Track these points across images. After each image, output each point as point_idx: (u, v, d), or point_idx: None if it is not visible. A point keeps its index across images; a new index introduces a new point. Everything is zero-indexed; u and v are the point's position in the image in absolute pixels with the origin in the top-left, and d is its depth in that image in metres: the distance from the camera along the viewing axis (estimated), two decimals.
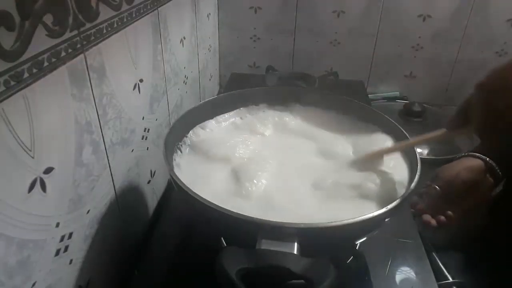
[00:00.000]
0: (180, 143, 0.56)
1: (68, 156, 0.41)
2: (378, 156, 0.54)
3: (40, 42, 0.34)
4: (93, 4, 0.43)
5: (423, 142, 0.55)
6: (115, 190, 0.53)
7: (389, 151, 0.55)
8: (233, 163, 0.54)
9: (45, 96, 0.36)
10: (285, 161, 0.56)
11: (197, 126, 0.60)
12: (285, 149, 0.59)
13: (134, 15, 0.54)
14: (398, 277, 0.53)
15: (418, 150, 0.50)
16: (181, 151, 0.55)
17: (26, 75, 0.33)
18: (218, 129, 0.63)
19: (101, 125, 0.47)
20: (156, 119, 0.66)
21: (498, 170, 0.56)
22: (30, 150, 0.34)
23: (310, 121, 0.65)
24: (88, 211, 0.46)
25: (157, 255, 0.58)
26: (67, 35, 0.38)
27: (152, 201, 0.69)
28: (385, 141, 0.57)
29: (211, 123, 0.62)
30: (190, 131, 0.59)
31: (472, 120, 0.37)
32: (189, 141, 0.58)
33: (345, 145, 0.60)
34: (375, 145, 0.58)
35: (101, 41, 0.45)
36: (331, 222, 0.38)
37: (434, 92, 1.17)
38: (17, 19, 0.31)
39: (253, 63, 1.19)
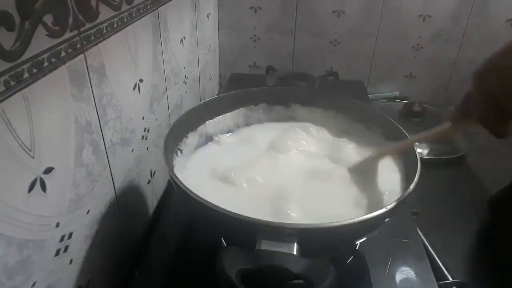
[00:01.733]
0: (180, 144, 0.56)
1: (68, 156, 0.41)
2: (385, 155, 0.53)
3: (40, 42, 0.34)
4: (93, 4, 0.43)
5: (429, 138, 0.53)
6: (115, 190, 0.53)
7: (394, 150, 0.54)
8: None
9: (45, 96, 0.36)
10: (285, 161, 0.56)
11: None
12: (285, 148, 0.59)
13: (134, 15, 0.54)
14: (398, 277, 0.53)
15: (418, 150, 0.50)
16: (181, 153, 0.55)
17: (26, 75, 0.33)
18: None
19: (101, 125, 0.47)
20: (156, 119, 0.66)
21: None
22: (30, 150, 0.34)
23: (310, 121, 0.65)
24: (88, 211, 0.46)
25: (157, 255, 0.58)
26: (67, 35, 0.38)
27: (152, 201, 0.69)
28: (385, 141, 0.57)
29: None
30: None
31: (473, 110, 0.36)
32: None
33: (346, 145, 0.60)
34: (375, 145, 0.58)
35: (101, 41, 0.45)
36: (331, 222, 0.38)
37: (434, 92, 1.17)
38: (17, 19, 0.31)
39: (253, 63, 1.19)
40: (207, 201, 0.39)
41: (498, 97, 0.33)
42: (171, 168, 0.47)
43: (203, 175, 0.54)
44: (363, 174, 0.54)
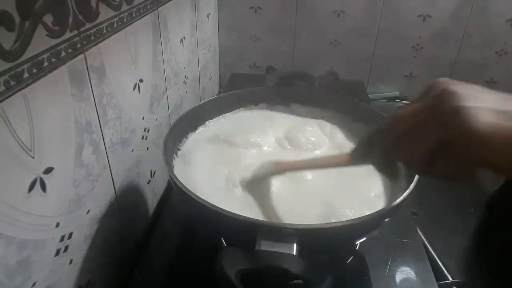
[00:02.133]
0: (180, 144, 0.56)
1: (68, 156, 0.41)
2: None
3: (40, 42, 0.34)
4: (93, 4, 0.43)
5: (319, 165, 0.51)
6: (115, 190, 0.53)
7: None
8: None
9: (45, 96, 0.36)
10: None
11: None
12: (285, 148, 0.59)
13: (134, 15, 0.54)
14: (398, 277, 0.53)
15: None
16: (177, 156, 0.55)
17: (26, 75, 0.33)
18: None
19: (101, 125, 0.47)
20: (156, 119, 0.66)
21: None
22: (30, 150, 0.34)
23: (310, 121, 0.65)
24: (88, 211, 0.46)
25: (157, 255, 0.58)
26: (67, 35, 0.38)
27: (152, 201, 0.69)
28: None
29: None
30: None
31: (373, 157, 0.38)
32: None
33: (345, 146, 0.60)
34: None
35: (101, 41, 0.45)
36: (331, 222, 0.38)
37: None
38: (17, 19, 0.31)
39: (253, 63, 1.19)
40: (207, 202, 0.39)
41: (397, 157, 0.35)
42: (171, 168, 0.47)
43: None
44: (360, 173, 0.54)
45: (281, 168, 0.52)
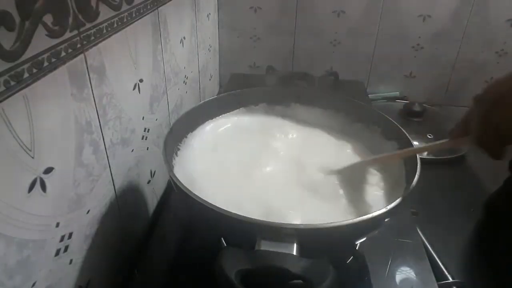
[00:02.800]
0: (180, 144, 0.56)
1: (68, 156, 0.41)
2: (378, 163, 0.53)
3: (40, 42, 0.34)
4: (93, 4, 0.43)
5: (426, 149, 0.53)
6: (115, 190, 0.53)
7: (388, 159, 0.54)
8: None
9: (45, 96, 0.36)
10: (284, 161, 0.56)
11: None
12: (285, 148, 0.59)
13: (134, 15, 0.54)
14: (398, 277, 0.53)
15: None
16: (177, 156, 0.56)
17: (26, 75, 0.33)
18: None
19: (101, 125, 0.47)
20: (156, 119, 0.66)
21: None
22: (30, 150, 0.34)
23: (310, 121, 0.65)
24: (88, 211, 0.46)
25: (157, 255, 0.58)
26: (67, 35, 0.38)
27: (152, 201, 0.69)
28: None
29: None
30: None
31: (471, 131, 0.37)
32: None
33: (345, 146, 0.60)
34: (374, 146, 0.59)
35: (101, 41, 0.45)
36: (331, 222, 0.38)
37: (434, 92, 1.17)
38: (17, 19, 0.31)
39: (253, 63, 1.19)
40: (207, 201, 0.39)
41: (496, 123, 0.34)
42: (170, 168, 0.47)
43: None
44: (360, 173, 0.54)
45: (373, 161, 0.53)
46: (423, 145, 0.50)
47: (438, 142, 0.48)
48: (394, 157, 0.53)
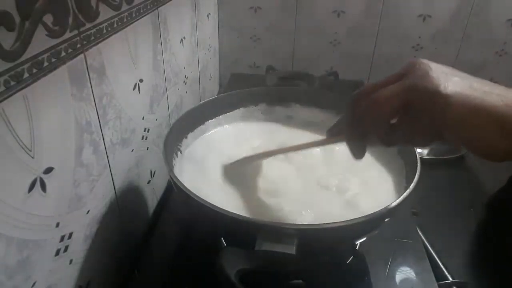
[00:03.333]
0: (180, 144, 0.56)
1: (68, 156, 0.41)
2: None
3: (40, 42, 0.34)
4: (93, 4, 0.43)
5: (307, 147, 0.52)
6: (115, 190, 0.53)
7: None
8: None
9: (45, 96, 0.36)
10: (285, 161, 0.56)
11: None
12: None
13: (134, 15, 0.54)
14: (398, 277, 0.53)
15: (418, 150, 0.50)
16: (181, 152, 0.56)
17: (26, 75, 0.33)
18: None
19: (101, 125, 0.47)
20: (156, 119, 0.66)
21: None
22: (30, 150, 0.34)
23: (310, 121, 0.65)
24: (88, 211, 0.46)
25: (157, 255, 0.58)
26: (67, 35, 0.38)
27: (152, 201, 0.69)
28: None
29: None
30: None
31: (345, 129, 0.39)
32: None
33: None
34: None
35: (101, 41, 0.45)
36: (331, 222, 0.38)
37: None
38: (17, 19, 0.31)
39: (253, 63, 1.19)
40: (207, 202, 0.39)
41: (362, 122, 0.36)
42: (170, 168, 0.47)
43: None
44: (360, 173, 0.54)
45: (267, 154, 0.54)
46: (304, 144, 0.51)
47: (317, 140, 0.49)
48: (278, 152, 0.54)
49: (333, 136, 0.44)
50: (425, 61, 0.33)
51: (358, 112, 0.35)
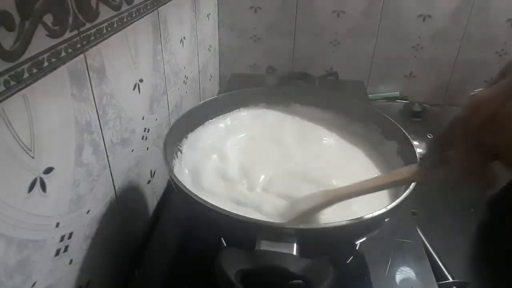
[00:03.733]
0: (180, 144, 0.56)
1: (68, 156, 0.41)
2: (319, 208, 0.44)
3: (40, 42, 0.34)
4: (93, 4, 0.43)
5: (386, 186, 0.42)
6: (115, 190, 0.53)
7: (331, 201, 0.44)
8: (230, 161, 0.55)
9: (45, 96, 0.36)
10: (284, 162, 0.56)
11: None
12: (285, 149, 0.59)
13: (134, 15, 0.54)
14: (398, 277, 0.53)
15: (418, 150, 0.50)
16: (181, 152, 0.56)
17: (26, 75, 0.33)
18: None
19: (101, 125, 0.47)
20: (156, 119, 0.66)
21: None
22: (30, 150, 0.34)
23: (310, 121, 0.65)
24: (88, 211, 0.46)
25: (157, 255, 0.58)
26: (67, 35, 0.38)
27: (152, 201, 0.69)
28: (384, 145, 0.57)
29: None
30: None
31: (456, 160, 0.30)
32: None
33: (345, 146, 0.60)
34: (374, 146, 0.58)
35: (101, 41, 0.45)
36: (331, 222, 0.38)
37: (434, 92, 1.17)
38: (17, 19, 0.31)
39: (253, 63, 1.19)
40: (207, 202, 0.39)
41: (495, 148, 0.28)
42: (170, 168, 0.47)
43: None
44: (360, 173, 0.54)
45: (332, 198, 0.43)
46: (382, 179, 0.42)
47: (403, 170, 0.39)
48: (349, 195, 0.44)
49: (431, 169, 0.34)
50: None
51: (474, 139, 0.27)
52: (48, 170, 0.37)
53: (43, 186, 0.37)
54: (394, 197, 0.49)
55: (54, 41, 0.36)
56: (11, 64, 0.31)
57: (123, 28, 0.51)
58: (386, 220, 0.43)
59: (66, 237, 0.42)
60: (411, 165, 0.38)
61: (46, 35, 0.35)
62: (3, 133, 0.31)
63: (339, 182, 0.50)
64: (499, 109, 0.26)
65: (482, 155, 0.28)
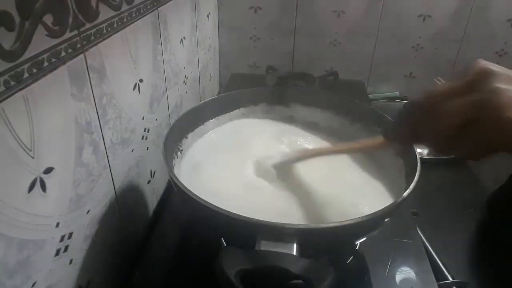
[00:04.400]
0: (180, 144, 0.56)
1: (68, 156, 0.41)
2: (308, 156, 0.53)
3: (40, 42, 0.34)
4: (93, 4, 0.43)
5: (355, 150, 0.52)
6: (115, 190, 0.53)
7: (317, 153, 0.54)
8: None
9: (45, 96, 0.36)
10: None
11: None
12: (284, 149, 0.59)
13: (134, 15, 0.54)
14: (398, 277, 0.53)
15: (418, 150, 0.50)
16: (181, 152, 0.56)
17: (26, 75, 0.33)
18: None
19: (101, 125, 0.47)
20: (156, 119, 0.66)
21: None
22: (30, 150, 0.34)
23: (309, 121, 0.65)
24: (88, 211, 0.46)
25: (157, 255, 0.58)
26: (67, 35, 0.38)
27: (152, 201, 0.69)
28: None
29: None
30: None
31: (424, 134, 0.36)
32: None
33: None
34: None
35: (101, 41, 0.45)
36: (331, 222, 0.38)
37: None
38: (17, 19, 0.31)
39: (253, 63, 1.19)
40: (207, 201, 0.39)
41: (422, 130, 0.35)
42: (170, 168, 0.47)
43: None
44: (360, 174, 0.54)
45: (307, 154, 0.54)
46: (351, 144, 0.51)
47: (370, 140, 0.48)
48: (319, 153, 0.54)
49: (392, 138, 0.43)
50: (493, 68, 0.32)
51: (418, 122, 0.35)
52: (48, 170, 0.37)
53: (43, 186, 0.37)
54: (394, 197, 0.49)
55: (54, 41, 0.36)
56: (11, 64, 0.31)
57: (123, 28, 0.51)
58: (386, 220, 0.43)
59: (66, 237, 0.42)
60: (377, 136, 0.45)
61: (46, 35, 0.35)
62: (3, 133, 0.31)
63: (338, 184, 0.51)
64: (436, 104, 0.33)
65: (419, 128, 0.36)
